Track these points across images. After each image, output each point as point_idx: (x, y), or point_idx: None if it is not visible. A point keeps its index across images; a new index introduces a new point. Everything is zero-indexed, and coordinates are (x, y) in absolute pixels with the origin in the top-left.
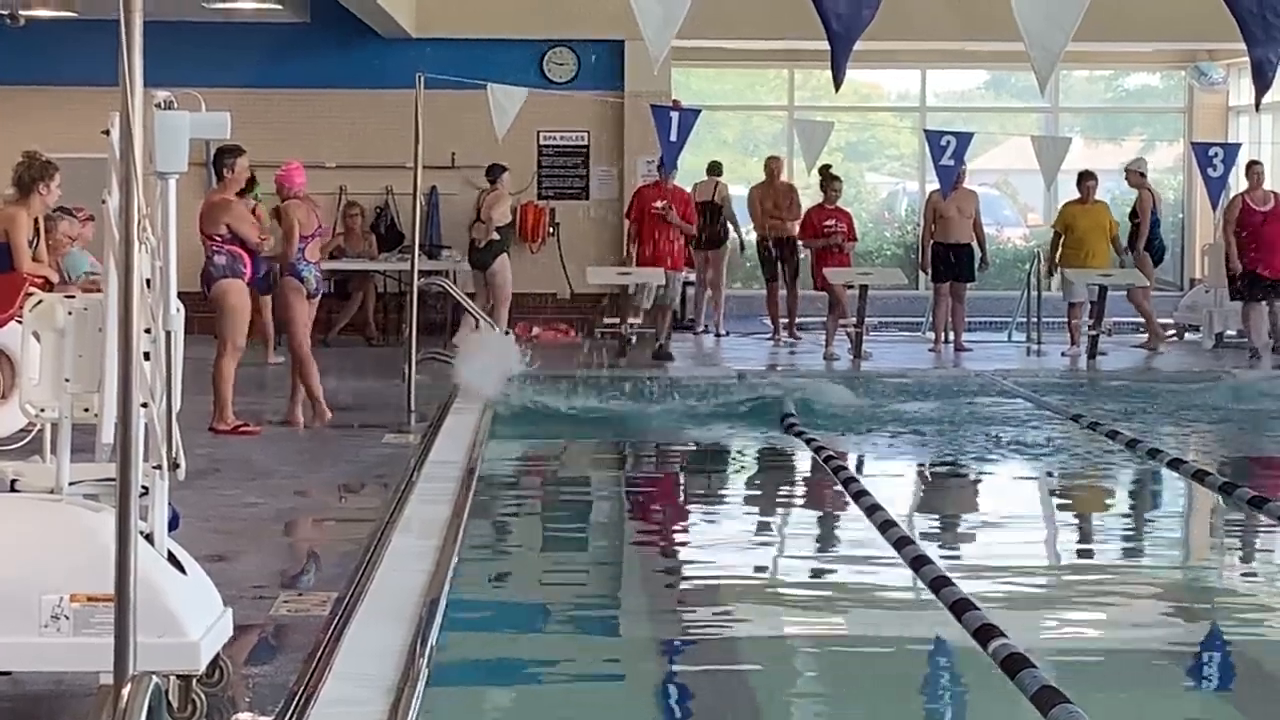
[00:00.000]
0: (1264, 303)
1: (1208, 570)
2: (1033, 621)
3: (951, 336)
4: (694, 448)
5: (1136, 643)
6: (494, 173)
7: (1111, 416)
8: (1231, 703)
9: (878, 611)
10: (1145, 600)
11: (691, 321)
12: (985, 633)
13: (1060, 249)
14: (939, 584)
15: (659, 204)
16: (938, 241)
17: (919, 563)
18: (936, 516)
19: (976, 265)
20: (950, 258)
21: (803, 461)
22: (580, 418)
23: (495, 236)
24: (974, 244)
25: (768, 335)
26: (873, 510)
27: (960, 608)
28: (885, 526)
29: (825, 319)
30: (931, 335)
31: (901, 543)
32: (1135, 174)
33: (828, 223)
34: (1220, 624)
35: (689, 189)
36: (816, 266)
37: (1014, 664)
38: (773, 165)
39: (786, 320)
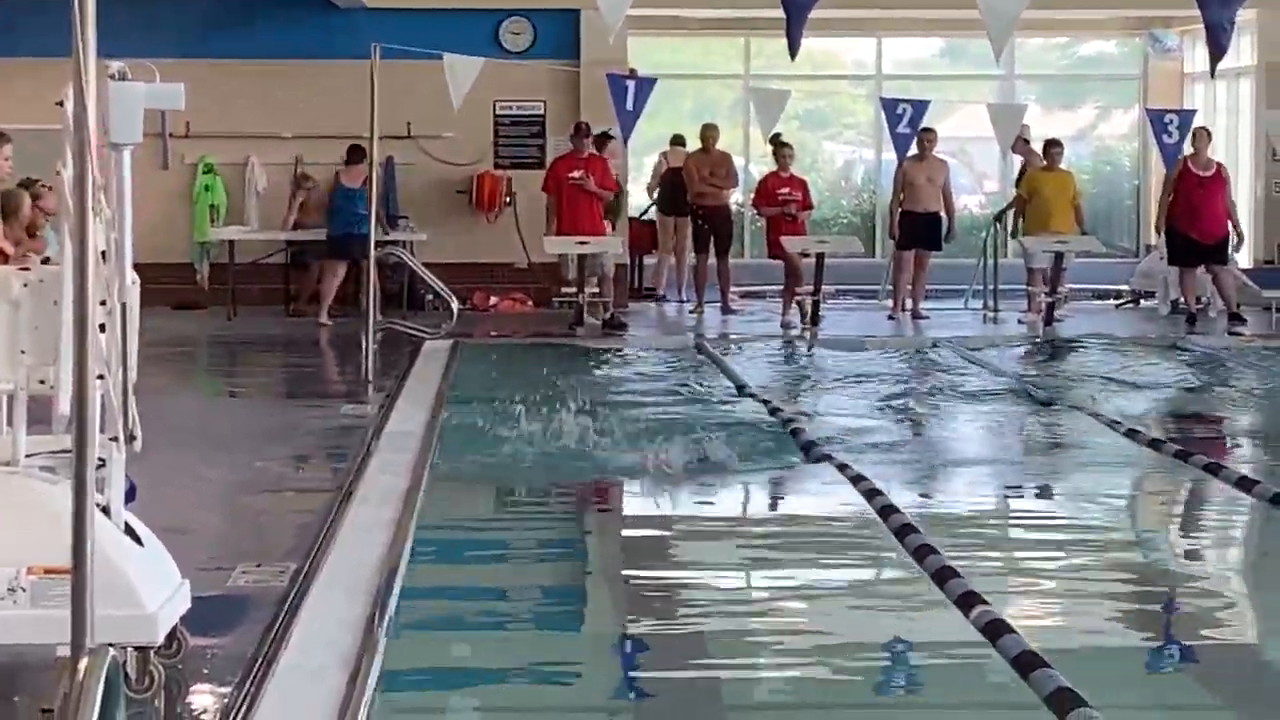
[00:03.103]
0: (1198, 268)
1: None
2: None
3: (909, 304)
4: (657, 416)
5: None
6: (600, 140)
7: (1070, 385)
8: (1196, 678)
9: (871, 601)
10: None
11: (650, 289)
12: (994, 628)
13: (1024, 214)
14: (944, 575)
15: (575, 174)
16: (906, 209)
17: (922, 553)
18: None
19: (944, 234)
20: (919, 226)
21: (773, 432)
22: (537, 387)
23: None
24: (942, 213)
25: (691, 306)
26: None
27: (967, 601)
28: (886, 511)
29: (781, 287)
30: (889, 302)
31: (904, 530)
32: (1020, 140)
33: (782, 191)
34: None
35: (654, 157)
36: (771, 235)
37: (1027, 661)
38: (708, 134)
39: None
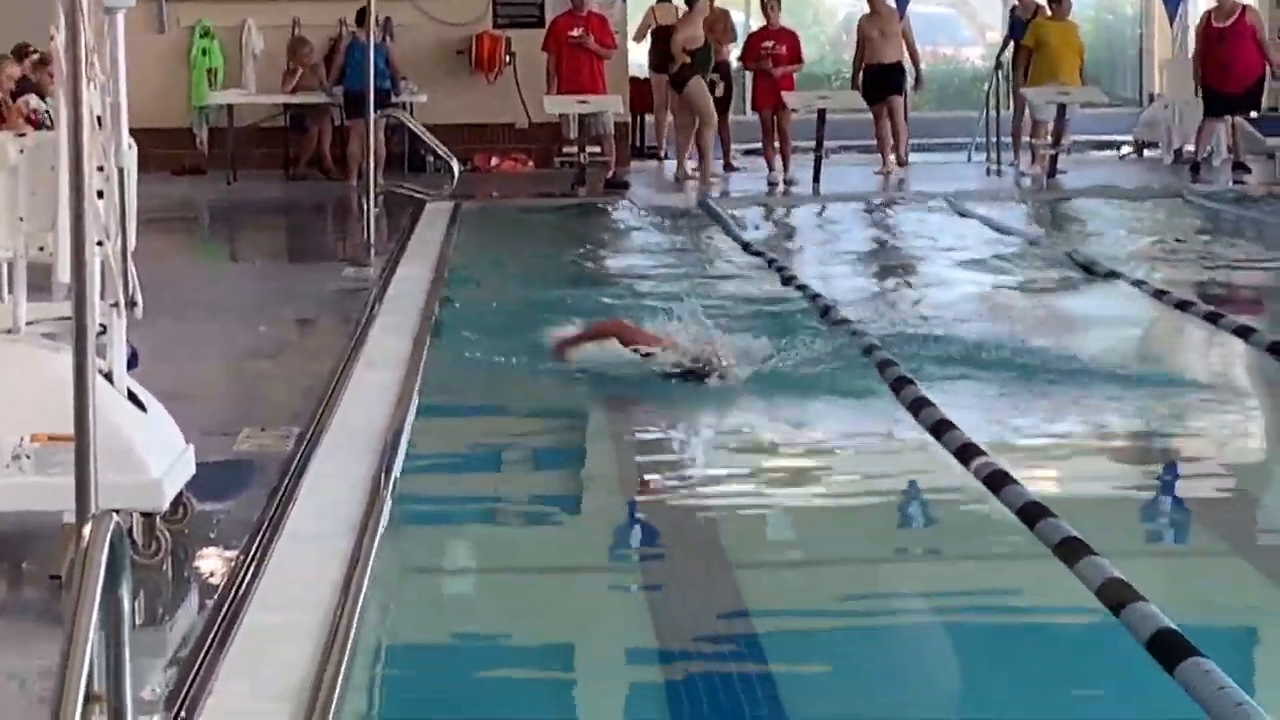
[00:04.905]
0: (1221, 118)
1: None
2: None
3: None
4: (655, 268)
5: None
6: None
7: (1075, 236)
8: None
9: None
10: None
11: (653, 148)
12: (996, 478)
13: (1029, 65)
14: (941, 428)
15: (575, 32)
16: (868, 63)
17: (918, 405)
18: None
19: (911, 83)
20: (880, 78)
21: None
22: (540, 248)
23: (686, 60)
24: (904, 62)
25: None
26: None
27: (967, 453)
28: (884, 366)
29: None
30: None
31: (900, 382)
32: None
33: (766, 44)
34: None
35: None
36: (756, 90)
37: (1032, 511)
38: None
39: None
